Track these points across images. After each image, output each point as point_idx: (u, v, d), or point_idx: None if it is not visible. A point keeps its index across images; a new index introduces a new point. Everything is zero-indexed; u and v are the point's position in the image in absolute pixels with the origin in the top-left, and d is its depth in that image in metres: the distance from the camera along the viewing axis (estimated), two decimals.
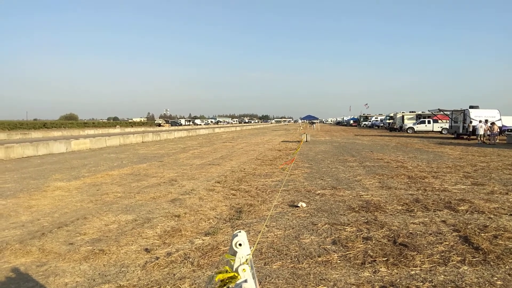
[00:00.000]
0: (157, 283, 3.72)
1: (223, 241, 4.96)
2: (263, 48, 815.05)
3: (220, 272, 1.44)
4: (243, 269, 1.44)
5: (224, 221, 5.95)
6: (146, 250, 4.71)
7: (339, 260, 4.28)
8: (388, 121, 55.17)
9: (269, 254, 4.50)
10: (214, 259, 4.35)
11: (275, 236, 5.17)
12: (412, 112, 48.39)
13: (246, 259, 1.50)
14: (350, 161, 13.91)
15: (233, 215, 6.29)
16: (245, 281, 1.28)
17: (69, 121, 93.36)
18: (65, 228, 5.66)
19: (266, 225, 5.59)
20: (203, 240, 5.05)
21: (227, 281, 1.39)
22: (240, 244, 1.58)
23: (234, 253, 1.57)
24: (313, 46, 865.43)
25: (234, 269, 1.46)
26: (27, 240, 5.16)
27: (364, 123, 73.97)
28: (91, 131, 56.87)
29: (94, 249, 4.73)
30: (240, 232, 1.63)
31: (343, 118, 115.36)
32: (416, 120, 44.79)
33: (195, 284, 3.71)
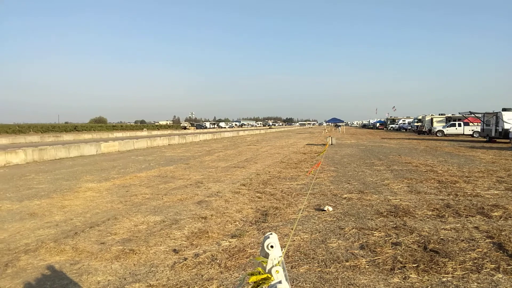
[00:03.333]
0: (186, 284, 3.79)
1: (249, 244, 4.98)
2: (286, 51, 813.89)
3: (252, 274, 1.46)
4: (276, 271, 1.45)
5: (250, 224, 5.97)
6: (174, 250, 4.80)
7: (368, 265, 4.21)
8: (416, 124, 53.78)
9: (296, 257, 4.49)
10: (241, 261, 4.38)
11: (301, 240, 5.15)
12: (442, 114, 46.95)
13: (278, 261, 1.51)
14: (377, 164, 13.65)
15: (259, 218, 6.31)
16: (279, 282, 1.29)
17: (99, 124, 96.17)
18: (97, 228, 5.84)
19: (292, 228, 5.58)
20: (230, 242, 5.09)
21: (260, 282, 1.41)
22: (272, 246, 1.59)
23: (266, 255, 1.59)
24: (338, 50, 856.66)
25: (266, 271, 1.48)
26: (61, 239, 5.36)
27: (391, 126, 72.44)
28: (119, 134, 58.38)
29: (125, 249, 4.86)
30: (271, 234, 1.65)
31: (369, 121, 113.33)
32: (446, 123, 43.46)
33: (223, 285, 3.74)
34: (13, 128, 59.54)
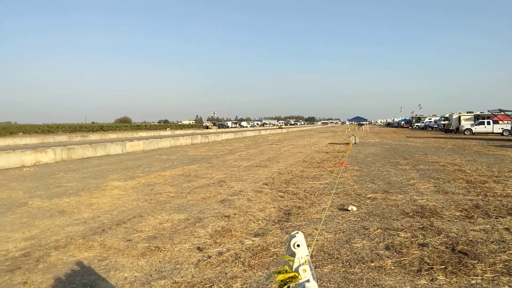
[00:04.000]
0: (210, 281, 3.82)
1: (272, 243, 4.98)
2: (309, 50, 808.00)
3: (279, 272, 1.46)
4: (304, 270, 1.44)
5: (273, 223, 5.97)
6: (199, 248, 4.86)
7: (393, 266, 4.14)
8: (443, 122, 52.30)
9: (320, 257, 4.45)
10: (265, 260, 4.38)
11: (325, 239, 5.10)
12: (470, 112, 45.49)
13: (305, 260, 1.50)
14: (402, 164, 13.37)
15: (282, 217, 6.30)
16: (307, 281, 1.29)
17: (124, 124, 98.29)
18: (123, 225, 5.98)
19: (315, 228, 5.54)
20: (253, 241, 5.10)
21: (287, 281, 1.41)
22: (298, 245, 1.59)
23: (292, 254, 1.59)
24: (360, 49, 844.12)
25: (293, 270, 1.48)
26: (89, 235, 5.51)
27: (416, 124, 70.71)
28: (143, 134, 59.53)
29: (150, 246, 4.96)
30: (297, 233, 1.64)
31: (393, 119, 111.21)
32: (474, 121, 42.08)
33: (247, 283, 3.76)
34: (42, 128, 61.64)
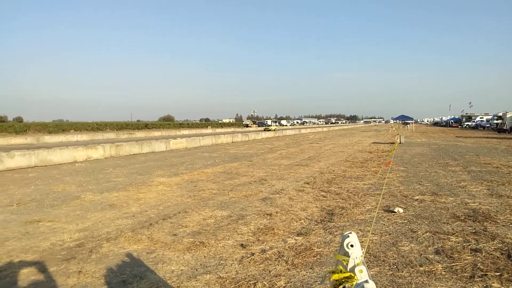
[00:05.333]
0: (254, 278, 3.86)
1: (316, 243, 4.93)
2: (351, 47, 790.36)
3: (334, 272, 1.44)
4: (360, 270, 1.42)
5: (315, 223, 5.91)
6: (242, 245, 4.91)
7: (444, 272, 3.95)
8: (496, 121, 49.14)
9: (365, 259, 4.35)
10: (308, 259, 4.35)
11: (370, 241, 4.97)
12: None
13: (360, 260, 1.47)
14: (452, 165, 12.74)
15: (325, 217, 6.21)
16: (366, 281, 1.26)
17: (167, 122, 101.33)
18: (169, 220, 6.18)
19: (360, 229, 5.42)
20: (296, 240, 5.08)
21: (343, 281, 1.39)
22: (351, 245, 1.56)
23: (345, 254, 1.56)
24: (407, 45, 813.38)
25: (348, 270, 1.45)
26: (137, 229, 5.75)
27: (467, 123, 67.00)
28: (186, 132, 61.14)
29: (195, 241, 5.08)
30: (351, 233, 1.61)
31: (441, 118, 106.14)
32: None
33: (291, 282, 3.75)
34: (92, 125, 65.05)
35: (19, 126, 53.75)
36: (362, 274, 1.40)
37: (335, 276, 1.39)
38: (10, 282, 3.93)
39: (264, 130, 57.98)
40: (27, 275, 4.12)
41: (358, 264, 1.44)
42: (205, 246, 4.88)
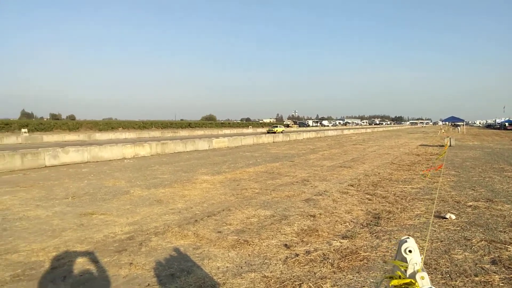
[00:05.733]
0: (299, 279, 3.82)
1: (362, 246, 4.80)
2: (397, 46, 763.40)
3: (392, 277, 1.39)
4: (422, 277, 1.35)
5: (361, 226, 5.76)
6: (286, 246, 4.89)
7: (502, 283, 3.70)
8: None
9: None
10: (355, 263, 4.25)
11: (421, 248, 4.76)
12: None
13: (420, 267, 1.41)
14: (508, 170, 11.92)
15: (371, 221, 6.04)
16: None
17: (209, 122, 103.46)
18: (213, 218, 6.29)
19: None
20: (341, 242, 4.98)
21: (402, 287, 1.33)
22: (410, 251, 1.49)
23: (403, 259, 1.50)
24: (457, 40, 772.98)
25: (407, 276, 1.39)
26: (183, 225, 5.90)
27: None
28: (227, 131, 62.03)
29: (239, 239, 5.13)
30: (408, 238, 1.54)
31: (495, 120, 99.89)
32: None
33: (337, 285, 3.68)
34: (138, 124, 67.83)
35: (72, 124, 57.29)
36: (423, 281, 1.34)
37: (394, 282, 1.33)
38: (67, 270, 4.18)
39: (268, 132, 47.29)
40: (82, 264, 4.35)
41: (418, 271, 1.38)
42: (249, 245, 4.91)
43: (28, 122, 55.37)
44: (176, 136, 46.29)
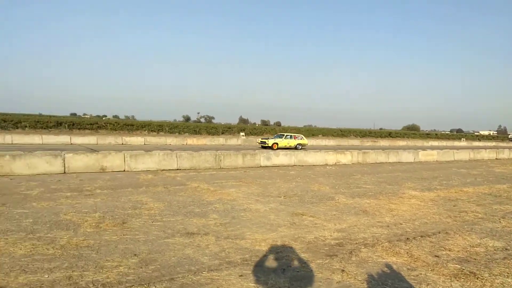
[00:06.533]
0: None
1: None
2: None
3: None
4: None
5: None
6: None
7: None
8: None
9: None
10: None
11: None
12: None
13: None
14: None
15: None
16: None
17: (411, 131, 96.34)
18: (428, 239, 5.70)
19: None
20: None
21: None
22: None
23: None
24: None
25: None
26: (394, 241, 5.58)
27: None
28: (434, 143, 56.20)
29: (464, 270, 4.45)
30: None
31: None
32: None
33: None
34: (336, 131, 69.58)
35: (278, 130, 63.74)
36: None
37: None
38: (285, 264, 4.56)
39: (262, 147, 30.95)
40: (298, 261, 4.67)
41: None
42: (477, 278, 4.20)
43: (244, 127, 65.29)
44: (376, 146, 45.04)
